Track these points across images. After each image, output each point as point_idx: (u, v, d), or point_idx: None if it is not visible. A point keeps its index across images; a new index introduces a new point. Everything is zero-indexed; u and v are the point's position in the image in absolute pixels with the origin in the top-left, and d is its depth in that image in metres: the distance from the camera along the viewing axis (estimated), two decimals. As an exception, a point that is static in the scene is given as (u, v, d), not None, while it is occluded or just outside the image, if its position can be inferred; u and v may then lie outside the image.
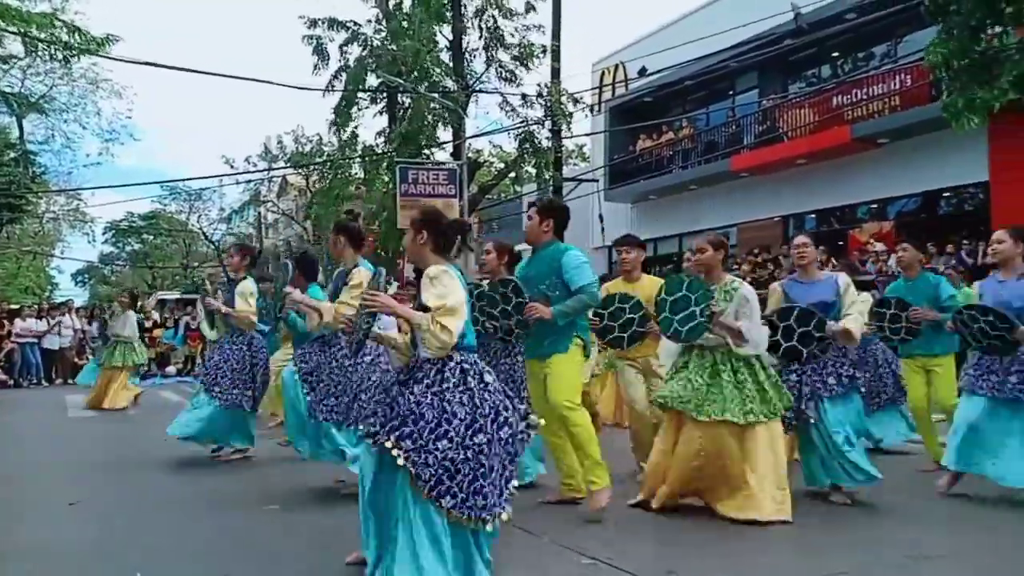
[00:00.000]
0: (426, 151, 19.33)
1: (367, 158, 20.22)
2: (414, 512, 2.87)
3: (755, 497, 4.04)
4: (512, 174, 20.63)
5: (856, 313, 4.66)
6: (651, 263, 19.68)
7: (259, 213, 38.01)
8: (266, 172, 32.19)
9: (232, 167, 31.89)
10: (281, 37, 75.44)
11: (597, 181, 20.18)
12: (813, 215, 17.14)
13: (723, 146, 18.70)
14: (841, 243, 15.70)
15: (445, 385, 2.96)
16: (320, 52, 19.34)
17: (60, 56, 14.07)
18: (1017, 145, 12.23)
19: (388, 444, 2.89)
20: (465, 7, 19.19)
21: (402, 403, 2.96)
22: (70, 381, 16.76)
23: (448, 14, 18.96)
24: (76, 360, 17.56)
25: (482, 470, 2.89)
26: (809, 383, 4.61)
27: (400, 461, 2.86)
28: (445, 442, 2.88)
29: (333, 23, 19.26)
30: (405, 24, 18.60)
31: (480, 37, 19.19)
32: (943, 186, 14.60)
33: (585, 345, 4.39)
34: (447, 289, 2.99)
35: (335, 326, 4.65)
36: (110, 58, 14.57)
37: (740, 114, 19.11)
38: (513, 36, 19.03)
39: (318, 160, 24.83)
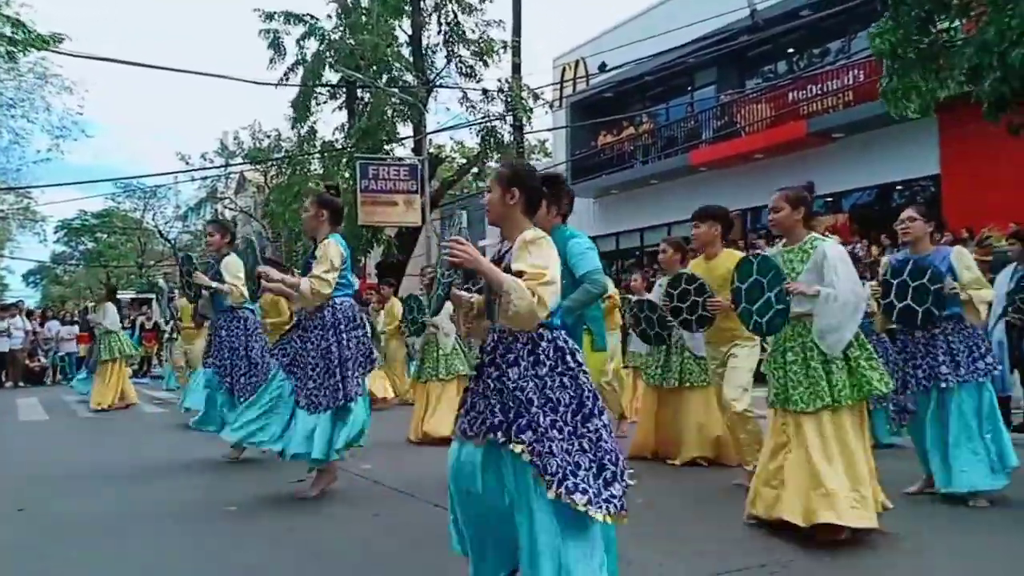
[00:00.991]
0: (386, 147, 19.20)
1: (326, 154, 20.01)
2: (549, 518, 2.48)
3: (829, 496, 3.47)
4: (475, 169, 20.59)
5: (976, 290, 4.12)
6: (613, 257, 19.82)
7: (216, 210, 37.36)
8: (223, 168, 31.69)
9: (188, 164, 31.38)
10: (238, 32, 74.18)
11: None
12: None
13: (682, 141, 18.89)
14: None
15: (541, 369, 2.55)
16: (276, 46, 19.09)
17: (3, 51, 13.63)
18: (966, 138, 12.55)
19: (504, 439, 2.52)
20: (424, 1, 19.09)
21: (502, 390, 2.56)
22: (20, 384, 16.35)
23: (407, 8, 18.84)
24: (28, 363, 17.13)
25: (608, 457, 2.54)
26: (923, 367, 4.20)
27: (525, 457, 2.47)
28: (555, 432, 2.50)
29: (290, 17, 19.03)
30: (364, 18, 18.43)
31: (440, 32, 19.13)
32: (896, 179, 14.93)
33: (595, 338, 4.04)
34: (547, 259, 2.57)
35: (310, 304, 4.58)
36: (60, 52, 14.21)
37: (698, 109, 19.32)
38: (473, 32, 19.01)
39: (276, 156, 24.49)
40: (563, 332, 2.67)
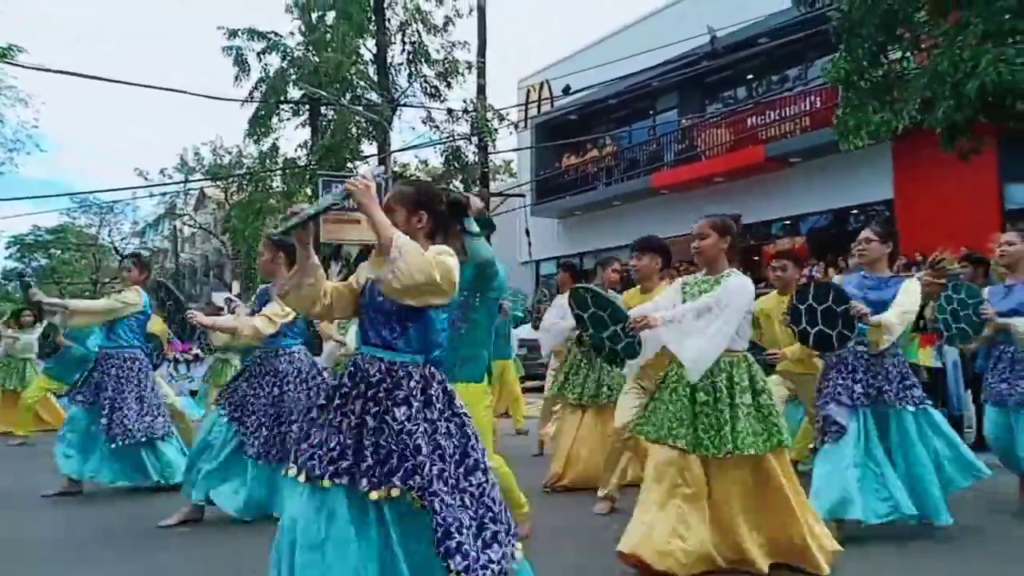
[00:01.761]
0: (350, 164, 19.12)
1: (288, 171, 19.85)
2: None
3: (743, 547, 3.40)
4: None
5: (899, 308, 3.92)
6: (576, 278, 19.86)
7: (175, 227, 36.75)
8: (183, 184, 31.24)
9: (146, 179, 30.86)
10: (201, 48, 73.47)
11: (524, 196, 20.32)
12: (731, 231, 17.64)
13: (644, 164, 19.13)
14: (756, 258, 16.22)
15: (432, 412, 2.37)
16: (240, 63, 18.96)
17: (-45, 61, 13.31)
18: (918, 163, 12.91)
19: (369, 488, 2.27)
20: (389, 21, 19.13)
21: (381, 430, 2.33)
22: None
23: (371, 27, 18.86)
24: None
25: (491, 514, 2.38)
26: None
27: (416, 505, 2.27)
28: (441, 484, 2.29)
29: (253, 34, 18.92)
30: (328, 36, 18.41)
31: (404, 51, 19.18)
32: (851, 204, 15.27)
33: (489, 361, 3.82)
34: (453, 264, 2.36)
35: (250, 343, 4.51)
36: (15, 64, 13.91)
37: (660, 133, 19.60)
38: (438, 52, 19.09)
39: (237, 172, 24.23)
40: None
